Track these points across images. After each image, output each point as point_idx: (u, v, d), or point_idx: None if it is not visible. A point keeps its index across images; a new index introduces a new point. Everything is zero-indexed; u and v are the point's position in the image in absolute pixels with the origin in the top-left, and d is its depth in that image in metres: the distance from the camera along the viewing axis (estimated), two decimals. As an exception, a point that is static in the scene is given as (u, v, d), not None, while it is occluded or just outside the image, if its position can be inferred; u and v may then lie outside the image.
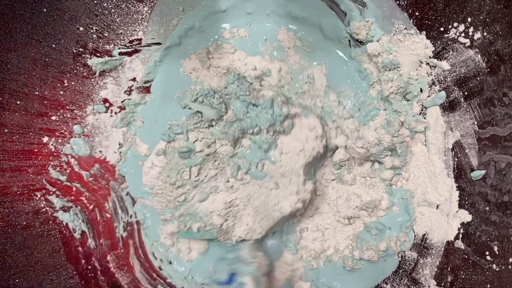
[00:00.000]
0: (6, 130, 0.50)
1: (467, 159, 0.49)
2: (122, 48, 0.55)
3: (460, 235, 0.49)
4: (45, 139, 0.53)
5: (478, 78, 0.45)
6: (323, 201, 0.58)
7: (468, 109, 0.48)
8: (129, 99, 0.58)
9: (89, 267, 0.56)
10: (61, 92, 0.53)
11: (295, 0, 0.54)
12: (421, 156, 0.54)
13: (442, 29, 0.47)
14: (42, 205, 0.53)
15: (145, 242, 0.61)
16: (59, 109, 0.54)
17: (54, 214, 0.54)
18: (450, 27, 0.46)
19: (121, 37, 0.54)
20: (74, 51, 0.52)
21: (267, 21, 0.57)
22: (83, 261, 0.55)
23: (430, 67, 0.50)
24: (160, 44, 0.56)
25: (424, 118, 0.53)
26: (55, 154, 0.54)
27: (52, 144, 0.54)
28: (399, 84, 0.51)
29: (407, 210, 0.55)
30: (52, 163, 0.54)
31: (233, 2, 0.55)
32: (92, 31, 0.52)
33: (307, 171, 0.53)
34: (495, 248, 0.44)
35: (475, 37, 0.44)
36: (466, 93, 0.47)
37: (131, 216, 0.60)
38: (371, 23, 0.51)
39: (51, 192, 0.54)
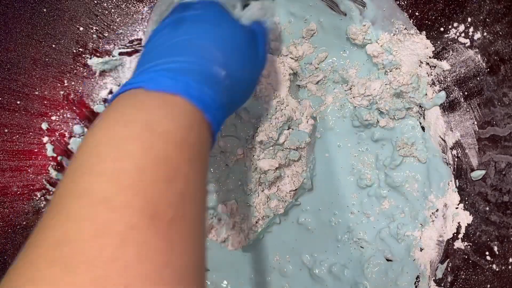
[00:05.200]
0: (6, 130, 0.50)
1: (467, 159, 0.49)
2: (122, 48, 0.55)
3: (460, 235, 0.49)
4: (45, 139, 0.53)
5: (478, 78, 0.45)
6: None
7: (468, 109, 0.48)
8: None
9: (89, 267, 0.56)
10: (61, 92, 0.53)
11: (296, 0, 0.54)
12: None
13: (442, 29, 0.47)
14: (42, 205, 0.53)
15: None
16: (59, 109, 0.54)
17: (54, 214, 0.54)
18: (450, 27, 0.46)
19: (121, 37, 0.54)
20: (74, 51, 0.52)
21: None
22: (83, 261, 0.55)
23: (430, 67, 0.50)
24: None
25: (424, 118, 0.53)
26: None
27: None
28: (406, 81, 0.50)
29: None
30: (52, 163, 0.54)
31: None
32: (92, 31, 0.52)
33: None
34: (495, 248, 0.44)
35: (475, 37, 0.44)
36: (466, 93, 0.47)
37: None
38: (368, 27, 0.51)
39: (51, 192, 0.54)
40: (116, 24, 0.53)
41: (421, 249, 0.54)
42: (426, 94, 0.51)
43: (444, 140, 0.52)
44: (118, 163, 0.23)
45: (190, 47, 0.33)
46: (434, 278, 0.52)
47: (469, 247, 0.48)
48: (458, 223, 0.50)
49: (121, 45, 0.55)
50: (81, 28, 0.52)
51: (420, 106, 0.52)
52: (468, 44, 0.45)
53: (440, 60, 0.49)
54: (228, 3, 0.40)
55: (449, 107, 0.50)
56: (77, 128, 0.55)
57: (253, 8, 0.44)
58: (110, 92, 0.56)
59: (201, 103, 0.29)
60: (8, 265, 0.49)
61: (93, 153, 0.24)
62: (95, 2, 0.51)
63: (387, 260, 0.56)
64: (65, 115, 0.54)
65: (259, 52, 0.39)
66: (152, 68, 0.31)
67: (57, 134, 0.54)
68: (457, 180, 0.51)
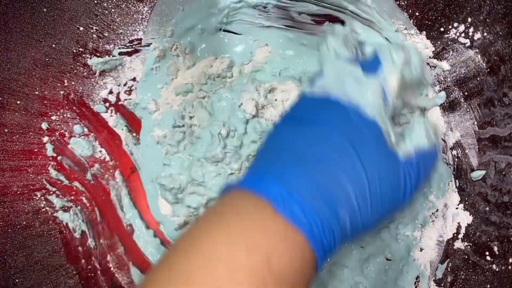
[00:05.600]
0: (6, 130, 0.50)
1: (467, 159, 0.49)
2: (122, 48, 0.55)
3: (460, 235, 0.49)
4: (45, 139, 0.53)
5: (478, 78, 0.45)
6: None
7: (468, 109, 0.48)
8: (130, 99, 0.58)
9: (89, 267, 0.56)
10: (61, 92, 0.53)
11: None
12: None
13: (442, 29, 0.47)
14: (42, 205, 0.53)
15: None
16: (59, 109, 0.54)
17: (54, 214, 0.54)
18: (450, 27, 0.46)
19: (121, 37, 0.54)
20: (74, 51, 0.52)
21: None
22: (83, 261, 0.55)
23: (430, 67, 0.50)
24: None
25: (425, 117, 0.53)
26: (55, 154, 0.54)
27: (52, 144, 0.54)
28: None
29: None
30: (52, 163, 0.54)
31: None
32: (92, 31, 0.52)
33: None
34: (495, 248, 0.44)
35: (475, 37, 0.44)
36: (466, 93, 0.47)
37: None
38: None
39: (51, 192, 0.54)
40: (116, 24, 0.53)
41: (421, 249, 0.54)
42: (426, 94, 0.51)
43: (444, 140, 0.52)
44: None
45: (323, 171, 0.29)
46: (434, 278, 0.52)
47: (469, 247, 0.48)
48: (458, 223, 0.50)
49: (121, 45, 0.55)
50: (81, 28, 0.52)
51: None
52: (468, 44, 0.45)
53: (440, 60, 0.49)
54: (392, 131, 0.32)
55: (449, 107, 0.50)
56: (77, 128, 0.55)
57: (422, 130, 0.33)
58: (110, 92, 0.56)
59: (318, 248, 0.28)
60: (8, 265, 0.49)
61: (206, 266, 0.24)
62: (95, 2, 0.51)
63: (387, 260, 0.56)
64: (65, 115, 0.54)
65: (406, 192, 0.32)
66: (280, 176, 0.29)
67: (57, 134, 0.54)
68: (457, 180, 0.51)
